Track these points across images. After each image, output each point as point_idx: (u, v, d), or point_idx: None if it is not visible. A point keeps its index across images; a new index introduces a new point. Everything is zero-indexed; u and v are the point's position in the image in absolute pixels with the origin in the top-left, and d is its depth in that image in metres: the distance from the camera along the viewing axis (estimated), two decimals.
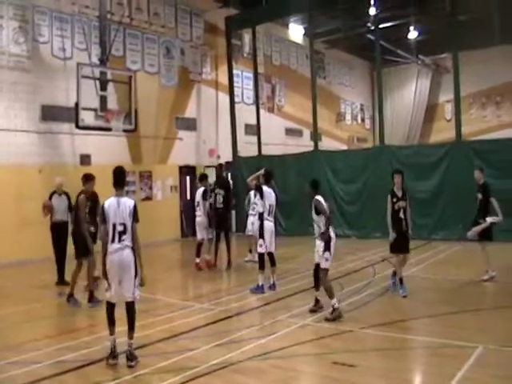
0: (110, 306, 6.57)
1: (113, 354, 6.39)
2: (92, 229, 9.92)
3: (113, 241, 6.47)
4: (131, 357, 6.34)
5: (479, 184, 10.85)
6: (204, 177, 13.60)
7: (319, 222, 8.45)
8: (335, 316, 8.05)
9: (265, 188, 10.56)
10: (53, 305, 10.40)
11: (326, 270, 8.40)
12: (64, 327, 8.50)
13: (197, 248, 13.14)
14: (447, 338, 6.94)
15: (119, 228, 6.47)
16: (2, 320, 8.88)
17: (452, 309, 8.49)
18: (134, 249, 6.52)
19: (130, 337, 6.43)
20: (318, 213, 8.46)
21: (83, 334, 8.10)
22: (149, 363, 6.33)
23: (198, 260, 13.06)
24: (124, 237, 6.47)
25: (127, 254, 6.45)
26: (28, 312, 9.74)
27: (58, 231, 11.29)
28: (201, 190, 13.31)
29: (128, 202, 6.61)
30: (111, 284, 6.47)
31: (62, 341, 7.55)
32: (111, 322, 6.54)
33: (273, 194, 10.67)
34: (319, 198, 8.59)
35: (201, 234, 13.20)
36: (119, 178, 6.85)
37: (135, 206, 6.61)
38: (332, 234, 8.47)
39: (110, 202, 6.59)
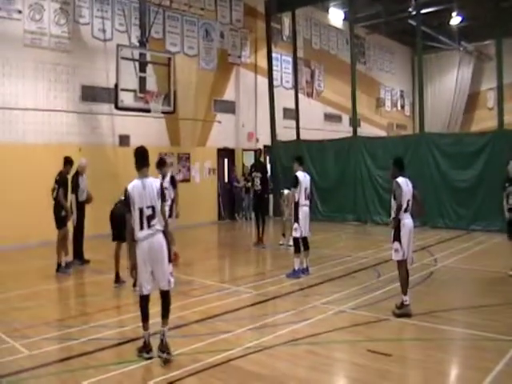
0: (144, 300, 6.06)
1: (146, 348, 5.97)
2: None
3: (141, 227, 5.89)
4: (163, 348, 5.88)
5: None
6: (163, 162, 11.62)
7: (393, 208, 7.62)
8: (403, 312, 7.49)
9: (299, 173, 10.43)
10: (90, 282, 10.59)
11: (398, 261, 7.68)
12: (100, 305, 8.57)
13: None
14: (486, 331, 6.77)
15: (147, 212, 5.89)
16: (41, 297, 9.05)
17: (491, 301, 8.30)
18: (165, 232, 6.06)
19: (164, 324, 5.99)
20: (395, 197, 7.61)
21: (119, 312, 8.29)
22: (184, 344, 6.34)
23: None
24: (154, 221, 5.92)
25: (158, 239, 5.95)
26: (66, 289, 9.96)
27: (83, 210, 11.74)
28: (169, 176, 11.60)
29: (154, 182, 6.06)
30: (140, 275, 5.97)
31: (97, 318, 7.65)
32: (145, 317, 6.04)
33: (307, 177, 10.56)
34: (400, 180, 7.62)
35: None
36: (142, 158, 6.15)
37: (161, 185, 6.13)
38: (406, 222, 7.60)
39: (133, 185, 5.99)
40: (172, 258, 10.28)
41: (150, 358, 5.91)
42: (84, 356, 6.09)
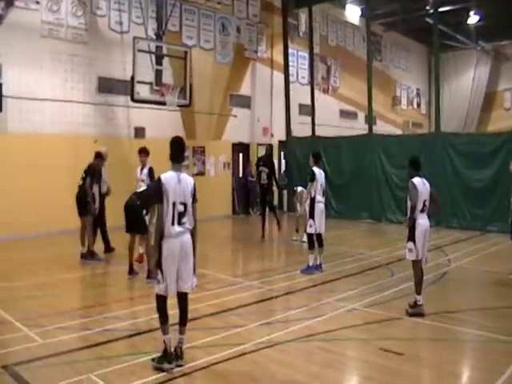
0: (163, 300, 5.61)
1: (169, 357, 5.51)
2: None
3: (173, 223, 5.49)
4: (180, 355, 5.57)
5: None
6: (146, 151, 10.50)
7: (409, 208, 7.53)
8: (416, 312, 7.46)
9: (315, 169, 10.39)
10: (104, 273, 10.67)
11: (413, 261, 7.60)
12: (114, 296, 8.64)
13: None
14: (498, 333, 6.72)
15: (179, 208, 5.51)
16: (55, 286, 9.09)
17: (503, 303, 8.24)
18: (193, 232, 5.71)
19: (182, 332, 5.65)
20: (410, 198, 7.50)
21: (132, 303, 8.33)
22: (196, 337, 6.33)
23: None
24: (184, 219, 5.55)
25: (188, 238, 5.60)
26: (80, 279, 10.01)
27: (103, 203, 11.90)
28: (148, 167, 10.31)
29: (189, 179, 5.70)
30: (167, 274, 5.51)
31: (111, 309, 7.72)
32: (165, 318, 5.59)
33: (323, 174, 10.51)
34: (416, 181, 7.51)
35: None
36: (180, 151, 5.81)
37: (195, 184, 5.74)
38: (420, 222, 7.51)
39: (168, 177, 5.56)
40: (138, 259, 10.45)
41: (172, 369, 5.44)
42: (98, 346, 6.12)
